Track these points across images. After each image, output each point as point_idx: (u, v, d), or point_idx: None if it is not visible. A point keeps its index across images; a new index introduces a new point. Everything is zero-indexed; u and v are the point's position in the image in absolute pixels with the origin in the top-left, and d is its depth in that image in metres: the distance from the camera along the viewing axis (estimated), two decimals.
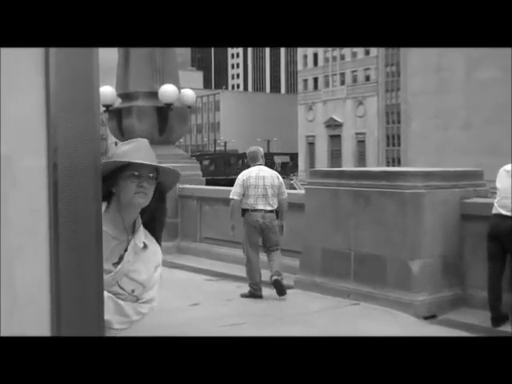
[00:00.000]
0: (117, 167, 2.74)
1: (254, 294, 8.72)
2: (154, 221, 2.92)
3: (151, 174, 2.76)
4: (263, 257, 9.05)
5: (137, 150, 2.76)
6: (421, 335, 6.93)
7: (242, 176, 8.91)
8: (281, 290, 8.49)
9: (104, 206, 2.81)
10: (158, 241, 2.97)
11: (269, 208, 8.71)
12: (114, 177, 2.75)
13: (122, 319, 2.79)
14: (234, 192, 8.86)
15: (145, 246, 2.85)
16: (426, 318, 7.51)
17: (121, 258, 2.78)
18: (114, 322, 2.78)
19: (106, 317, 2.69)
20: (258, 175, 8.77)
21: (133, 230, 2.84)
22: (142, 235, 2.86)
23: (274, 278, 8.49)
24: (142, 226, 2.87)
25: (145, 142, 2.89)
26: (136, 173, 2.72)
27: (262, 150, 9.35)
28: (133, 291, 2.81)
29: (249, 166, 9.10)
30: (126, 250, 2.80)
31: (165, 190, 2.90)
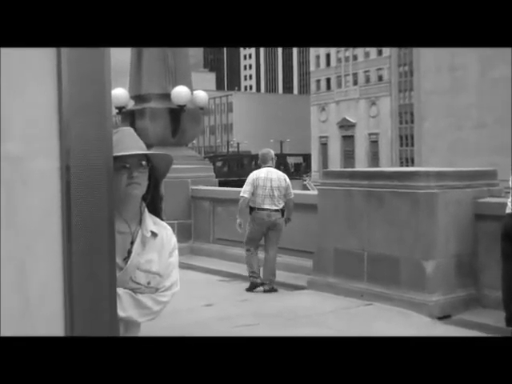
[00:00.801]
0: None
1: (255, 282, 9.25)
2: (154, 208, 2.87)
3: (142, 162, 2.71)
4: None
5: (121, 142, 2.68)
6: (435, 335, 6.91)
7: (252, 176, 9.42)
8: (271, 290, 9.17)
9: None
10: None
11: (274, 207, 9.19)
12: None
13: (144, 312, 2.76)
14: (244, 190, 9.35)
15: (153, 234, 2.80)
16: (440, 319, 7.47)
17: (130, 252, 2.75)
18: (137, 316, 2.76)
19: (127, 313, 2.70)
20: (267, 177, 9.24)
21: (139, 221, 2.79)
22: (150, 223, 2.81)
23: (265, 287, 9.18)
24: (147, 215, 2.82)
25: (128, 130, 2.82)
26: (126, 164, 2.66)
27: (272, 153, 9.77)
28: (149, 283, 2.76)
29: (260, 167, 9.50)
30: (132, 243, 2.76)
31: (159, 176, 2.84)
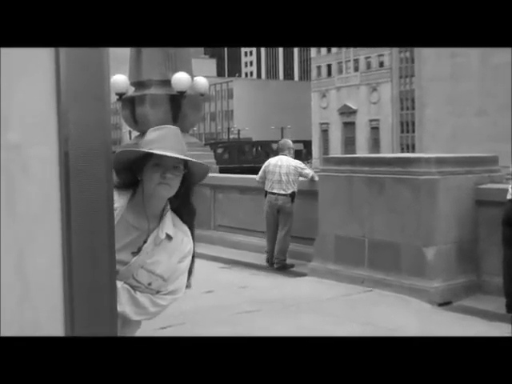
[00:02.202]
0: (142, 155, 2.67)
1: (266, 258, 10.37)
2: (181, 211, 2.83)
3: (177, 166, 2.67)
4: None
5: (162, 139, 2.67)
6: (435, 322, 6.92)
7: (266, 163, 10.51)
8: (282, 268, 9.95)
9: (129, 193, 2.75)
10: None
11: (282, 192, 9.98)
12: (140, 165, 2.68)
13: (139, 311, 2.74)
14: (258, 175, 10.50)
15: (169, 237, 2.75)
16: (440, 305, 7.49)
17: (139, 249, 2.73)
18: (132, 313, 2.74)
19: (121, 308, 2.67)
20: (276, 164, 10.15)
21: (159, 221, 2.75)
22: (169, 226, 2.76)
23: (275, 265, 10.03)
24: (169, 216, 2.78)
25: (173, 129, 2.80)
26: (160, 163, 2.64)
27: (289, 143, 10.67)
28: (149, 284, 2.73)
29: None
30: (145, 242, 2.73)
31: (193, 182, 2.80)
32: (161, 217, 2.76)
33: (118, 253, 1.72)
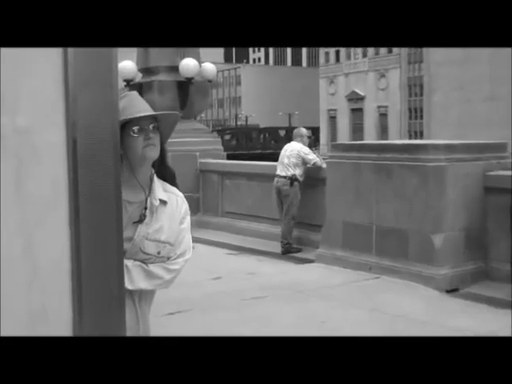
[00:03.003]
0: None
1: None
2: (162, 174, 2.84)
3: (153, 124, 2.70)
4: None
5: (131, 105, 2.69)
6: (442, 309, 6.92)
7: None
8: (286, 252, 10.15)
9: None
10: None
11: (283, 174, 10.25)
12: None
13: (155, 282, 2.74)
14: None
15: (163, 202, 2.77)
16: (448, 292, 7.48)
17: (141, 220, 2.73)
18: (149, 287, 2.75)
19: (136, 285, 2.70)
20: (285, 148, 10.57)
21: (149, 189, 2.76)
22: (160, 191, 2.78)
23: (281, 248, 10.20)
24: (157, 182, 2.80)
25: (135, 93, 2.83)
26: (144, 127, 2.66)
27: (302, 131, 10.91)
28: (159, 253, 2.73)
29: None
30: (146, 209, 2.72)
31: (163, 139, 2.81)
32: (149, 185, 2.76)
33: None
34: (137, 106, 2.72)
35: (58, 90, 1.52)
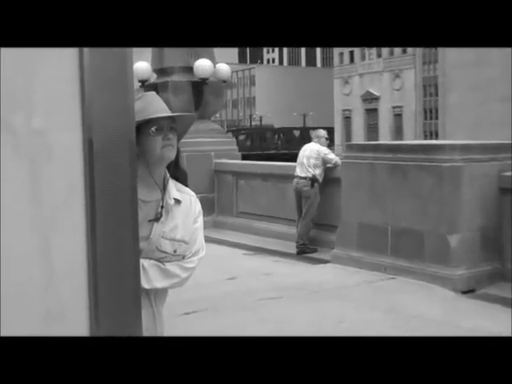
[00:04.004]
0: (136, 126, 2.70)
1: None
2: (176, 174, 2.87)
3: (171, 125, 2.73)
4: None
5: (150, 105, 2.71)
6: (458, 310, 6.89)
7: None
8: (301, 252, 10.20)
9: None
10: None
11: (303, 175, 10.27)
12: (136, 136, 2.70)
13: (171, 280, 2.77)
14: None
15: (177, 201, 2.79)
16: (464, 293, 7.45)
17: (157, 219, 2.74)
18: (166, 285, 2.78)
19: (153, 284, 2.72)
20: (303, 149, 10.60)
21: (163, 188, 2.78)
22: (173, 191, 2.80)
23: (297, 249, 10.23)
24: (171, 182, 2.81)
25: (153, 94, 2.85)
26: (162, 127, 2.68)
27: (319, 132, 10.98)
28: (175, 251, 2.76)
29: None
30: (162, 207, 2.75)
31: (180, 137, 2.84)
32: (164, 184, 2.78)
33: None
34: (156, 106, 2.74)
35: (73, 91, 1.52)
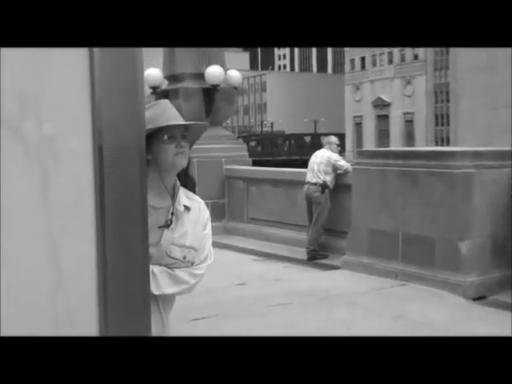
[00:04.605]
0: (149, 133, 2.68)
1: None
2: (185, 182, 2.89)
3: (184, 133, 2.75)
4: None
5: (164, 113, 2.75)
6: (469, 316, 6.86)
7: None
8: (311, 259, 10.18)
9: None
10: None
11: (313, 181, 10.29)
12: (148, 143, 2.65)
13: (182, 287, 2.79)
14: None
15: (187, 208, 2.81)
16: (474, 300, 7.42)
17: (168, 226, 2.76)
18: (176, 291, 2.80)
19: (163, 290, 2.73)
20: (314, 155, 10.65)
21: (173, 195, 2.80)
22: (183, 198, 2.83)
23: (307, 255, 10.21)
24: (181, 188, 2.84)
25: (167, 102, 2.88)
26: (176, 135, 2.71)
27: (330, 138, 11.06)
28: (184, 257, 2.78)
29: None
30: (172, 214, 2.77)
31: (189, 147, 2.86)
32: (174, 191, 2.81)
33: None
34: (169, 114, 2.76)
35: (83, 98, 1.53)
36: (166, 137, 2.69)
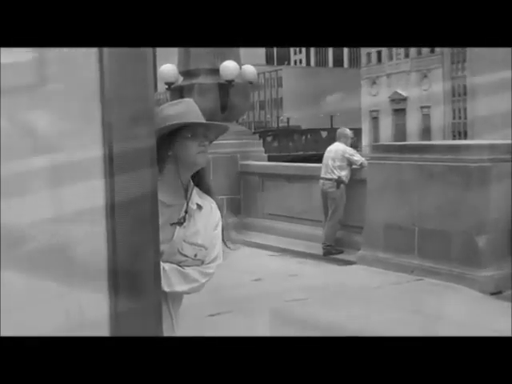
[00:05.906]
0: (172, 130, 2.73)
1: None
2: (199, 182, 2.91)
3: (206, 132, 2.78)
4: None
5: (189, 111, 2.78)
6: (486, 311, 6.83)
7: None
8: (327, 254, 10.15)
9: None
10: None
11: (328, 176, 10.20)
12: (168, 139, 2.72)
13: (192, 285, 2.80)
14: None
15: (199, 207, 2.83)
16: (491, 294, 7.38)
17: (180, 223, 2.78)
18: (185, 289, 2.81)
19: (174, 288, 2.75)
20: (328, 150, 10.51)
21: (187, 193, 2.83)
22: (196, 196, 2.84)
23: (323, 250, 10.18)
24: (194, 187, 2.86)
25: (191, 101, 2.90)
26: (199, 134, 2.74)
27: (345, 132, 10.76)
28: (195, 255, 2.79)
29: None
30: (186, 212, 2.78)
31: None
32: (187, 189, 2.82)
33: None
34: (194, 112, 2.80)
35: (93, 96, 1.53)
36: (189, 135, 2.72)
